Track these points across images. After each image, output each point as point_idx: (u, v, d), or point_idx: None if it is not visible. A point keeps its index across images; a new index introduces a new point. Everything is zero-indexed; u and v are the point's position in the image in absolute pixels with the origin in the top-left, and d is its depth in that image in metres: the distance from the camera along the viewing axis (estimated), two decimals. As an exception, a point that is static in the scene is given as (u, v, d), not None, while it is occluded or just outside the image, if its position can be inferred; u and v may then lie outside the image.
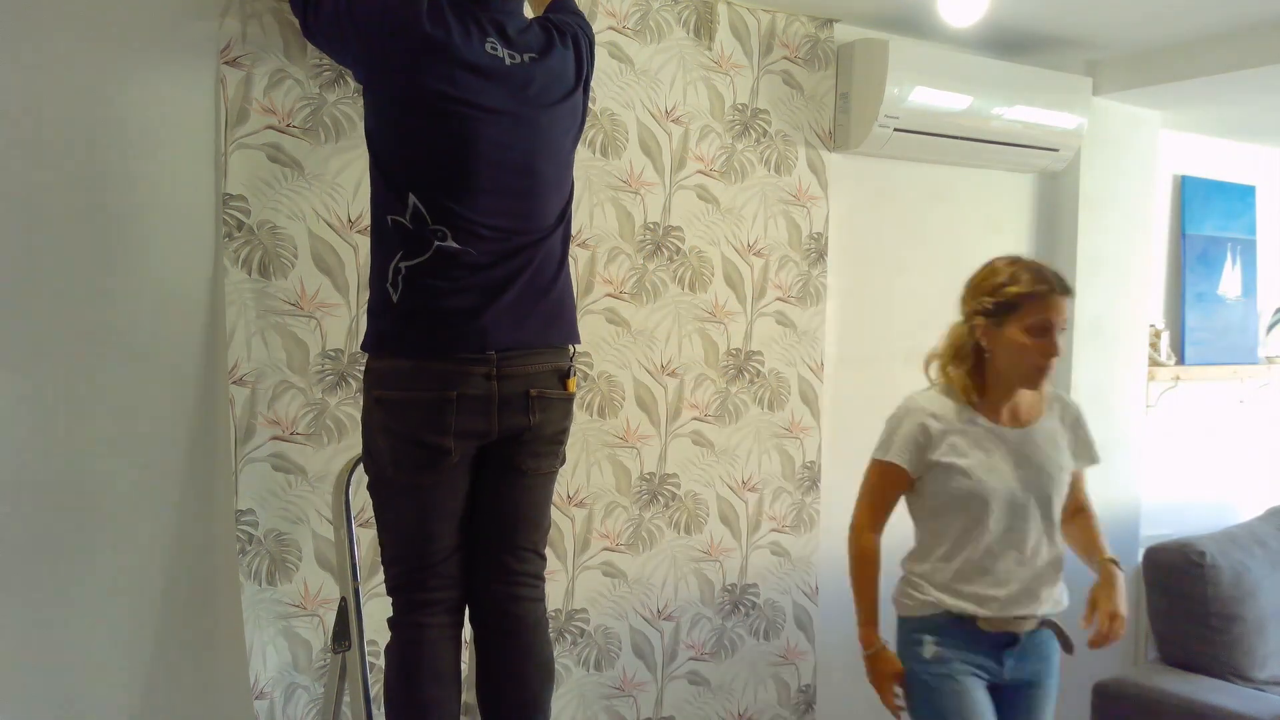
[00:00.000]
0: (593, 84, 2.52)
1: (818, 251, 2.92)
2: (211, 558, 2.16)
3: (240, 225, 2.13)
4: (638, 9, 2.59)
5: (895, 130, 2.85)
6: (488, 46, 1.88)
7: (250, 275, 2.15)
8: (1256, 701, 2.93)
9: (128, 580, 2.08)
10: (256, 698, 2.16)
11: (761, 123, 2.81)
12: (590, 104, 2.52)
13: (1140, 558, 3.39)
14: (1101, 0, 2.76)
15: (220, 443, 2.15)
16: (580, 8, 2.49)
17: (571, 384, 1.98)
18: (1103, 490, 3.47)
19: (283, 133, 2.16)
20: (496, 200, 1.87)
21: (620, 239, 2.61)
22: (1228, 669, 3.09)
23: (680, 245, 2.70)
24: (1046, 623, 2.17)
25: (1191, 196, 3.87)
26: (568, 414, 2.02)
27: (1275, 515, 3.58)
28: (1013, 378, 2.15)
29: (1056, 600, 2.18)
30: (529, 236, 1.91)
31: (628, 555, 2.67)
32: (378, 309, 1.90)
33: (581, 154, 2.52)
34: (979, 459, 2.13)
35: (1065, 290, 2.12)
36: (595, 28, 2.52)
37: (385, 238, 1.87)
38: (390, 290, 1.85)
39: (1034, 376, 2.13)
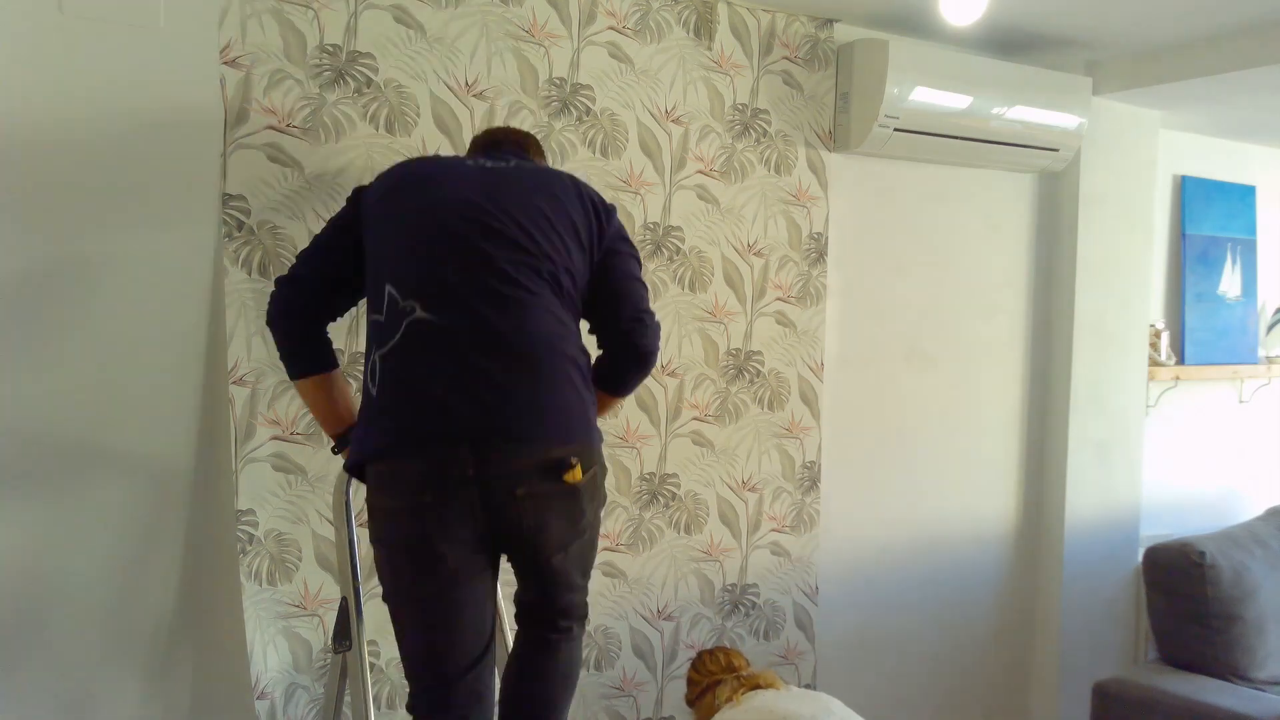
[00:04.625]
0: (594, 85, 2.54)
1: (818, 251, 2.92)
2: (211, 558, 2.16)
3: (240, 225, 2.13)
4: (638, 9, 2.59)
5: (895, 130, 2.85)
6: (469, 162, 1.96)
7: (250, 275, 2.15)
8: (1256, 701, 2.92)
9: (128, 580, 2.08)
10: (257, 698, 2.16)
11: (761, 123, 2.81)
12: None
13: (1140, 558, 3.40)
14: (1101, 0, 2.76)
15: (220, 443, 2.15)
16: (582, 13, 2.50)
17: (573, 474, 1.75)
18: (1103, 490, 3.49)
19: (283, 133, 2.16)
20: (455, 267, 1.79)
21: (620, 239, 2.61)
22: (1228, 669, 3.09)
23: (680, 245, 2.70)
24: None
25: (1191, 196, 3.87)
26: (577, 508, 1.79)
27: (1275, 515, 3.58)
28: None
29: None
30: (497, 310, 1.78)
31: (628, 555, 2.67)
32: (359, 415, 1.86)
33: (581, 154, 2.53)
34: None
35: None
36: (595, 28, 2.53)
37: (368, 342, 1.85)
38: (370, 386, 1.80)
39: None
